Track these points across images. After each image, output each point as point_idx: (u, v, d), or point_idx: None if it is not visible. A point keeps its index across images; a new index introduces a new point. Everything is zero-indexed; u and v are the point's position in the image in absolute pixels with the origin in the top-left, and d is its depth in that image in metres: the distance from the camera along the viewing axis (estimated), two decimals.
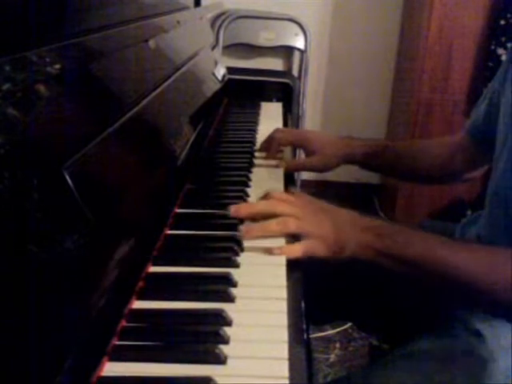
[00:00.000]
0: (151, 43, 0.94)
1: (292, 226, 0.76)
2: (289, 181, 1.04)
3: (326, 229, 0.77)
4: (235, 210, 0.78)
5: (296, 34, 2.64)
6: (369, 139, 1.16)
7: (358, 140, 1.14)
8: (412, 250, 0.76)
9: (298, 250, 0.75)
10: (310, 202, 0.82)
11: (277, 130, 1.15)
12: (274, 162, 1.07)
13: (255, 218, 0.79)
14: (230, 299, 0.63)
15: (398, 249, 0.77)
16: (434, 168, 1.12)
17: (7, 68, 0.47)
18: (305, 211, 0.78)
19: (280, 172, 1.04)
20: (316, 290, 0.96)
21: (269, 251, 0.73)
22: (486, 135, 0.99)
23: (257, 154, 1.13)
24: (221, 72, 1.51)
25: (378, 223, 0.82)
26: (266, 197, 0.82)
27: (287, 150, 1.17)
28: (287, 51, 2.78)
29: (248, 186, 0.97)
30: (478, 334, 0.77)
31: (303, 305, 0.68)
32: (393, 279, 0.92)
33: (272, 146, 1.11)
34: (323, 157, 1.10)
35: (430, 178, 1.20)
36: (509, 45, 2.20)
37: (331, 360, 1.81)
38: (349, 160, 1.11)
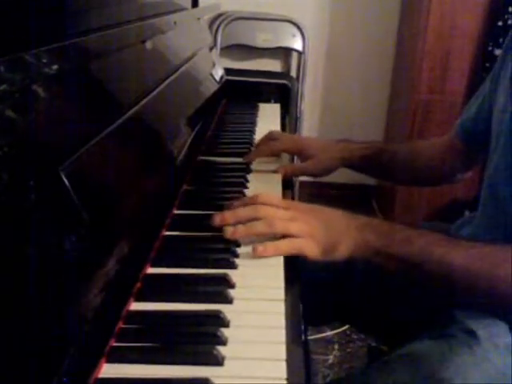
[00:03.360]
0: (148, 44, 0.94)
1: (279, 225, 0.74)
2: (287, 183, 1.03)
3: (316, 228, 0.75)
4: (220, 219, 0.76)
5: (294, 36, 2.64)
6: (364, 142, 1.16)
7: (353, 144, 1.14)
8: (409, 249, 0.75)
9: (283, 247, 0.73)
10: (298, 204, 0.81)
11: (271, 134, 1.14)
12: (272, 168, 1.06)
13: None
14: (228, 300, 0.63)
15: (395, 247, 0.75)
16: (425, 170, 1.13)
17: (4, 69, 0.47)
18: (293, 212, 0.77)
19: (278, 175, 1.04)
20: (314, 291, 0.96)
21: (253, 249, 0.72)
22: (476, 136, 0.99)
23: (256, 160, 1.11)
24: (219, 73, 1.51)
25: (375, 221, 0.80)
26: (252, 200, 0.79)
27: (285, 156, 1.16)
28: (285, 52, 2.79)
29: (246, 187, 0.97)
30: (473, 334, 0.77)
31: (301, 306, 0.68)
32: (391, 281, 0.92)
33: (260, 152, 1.10)
34: (319, 162, 1.09)
35: (421, 180, 1.21)
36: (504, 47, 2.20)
37: (330, 361, 1.81)
38: (345, 164, 1.11)
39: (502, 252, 0.73)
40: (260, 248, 0.72)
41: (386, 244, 0.76)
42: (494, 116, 0.89)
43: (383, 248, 0.75)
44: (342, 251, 0.75)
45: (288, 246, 0.73)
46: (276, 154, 1.12)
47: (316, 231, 0.75)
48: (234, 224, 0.75)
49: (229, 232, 0.74)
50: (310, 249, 0.74)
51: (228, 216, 0.76)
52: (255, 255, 0.72)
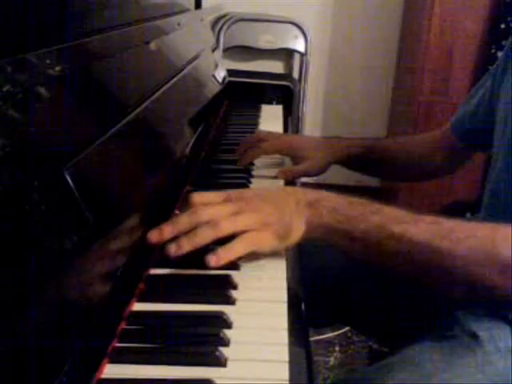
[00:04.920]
0: (152, 45, 0.94)
1: (225, 225, 0.66)
2: (289, 184, 1.03)
3: (265, 214, 0.68)
4: (158, 234, 0.66)
5: (296, 37, 2.64)
6: (356, 138, 1.15)
7: (344, 140, 1.12)
8: (366, 225, 0.68)
9: (236, 248, 0.66)
10: (238, 192, 0.73)
11: (258, 135, 1.12)
12: (273, 170, 1.05)
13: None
14: (231, 301, 0.63)
15: (350, 223, 0.68)
16: (415, 166, 1.13)
17: (8, 69, 0.47)
18: (236, 203, 0.69)
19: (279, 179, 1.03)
20: (315, 293, 0.96)
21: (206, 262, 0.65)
22: (471, 134, 0.99)
23: (256, 162, 1.10)
24: (221, 74, 1.51)
25: (328, 195, 0.72)
26: (188, 205, 0.70)
27: (287, 159, 1.16)
28: (287, 54, 2.79)
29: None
30: (475, 336, 0.77)
31: (303, 307, 0.68)
32: (392, 283, 0.92)
33: (252, 156, 1.08)
34: (312, 161, 1.07)
35: (411, 176, 1.21)
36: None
37: (331, 363, 1.81)
38: (337, 161, 1.10)
39: (464, 227, 0.68)
40: (213, 258, 0.65)
41: (340, 220, 0.69)
42: (497, 119, 0.89)
43: (338, 224, 0.69)
44: (297, 233, 0.69)
45: (241, 245, 0.67)
46: (267, 155, 1.10)
47: (266, 218, 0.68)
48: (175, 237, 0.67)
49: (172, 249, 0.65)
50: (266, 240, 0.68)
51: (166, 229, 0.67)
52: (211, 266, 0.65)
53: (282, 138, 1.15)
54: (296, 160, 1.10)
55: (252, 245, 0.67)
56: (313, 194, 0.72)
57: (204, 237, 0.66)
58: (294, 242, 0.70)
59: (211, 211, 0.68)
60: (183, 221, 0.67)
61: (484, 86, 0.97)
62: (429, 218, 0.70)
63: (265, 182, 1.02)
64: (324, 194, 0.73)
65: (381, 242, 0.68)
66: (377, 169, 1.18)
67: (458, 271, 0.67)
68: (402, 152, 1.13)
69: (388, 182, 2.65)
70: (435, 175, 1.18)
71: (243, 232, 0.67)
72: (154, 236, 0.67)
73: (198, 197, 0.70)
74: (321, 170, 1.09)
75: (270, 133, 1.15)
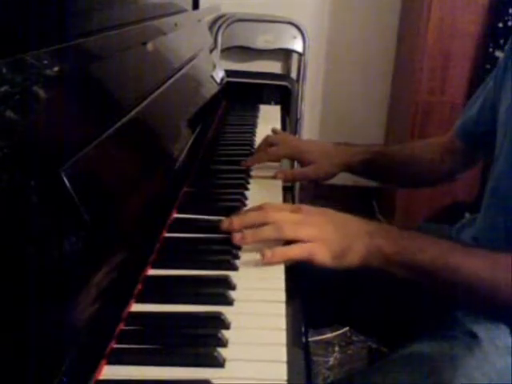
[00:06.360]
0: (149, 46, 0.94)
1: (288, 230, 0.71)
2: (287, 186, 1.03)
3: (326, 232, 0.73)
4: (228, 224, 0.75)
5: (294, 37, 2.64)
6: (363, 145, 1.15)
7: (352, 147, 1.13)
8: (423, 256, 0.73)
9: (291, 252, 0.71)
10: (307, 207, 0.78)
11: (268, 139, 1.13)
12: (271, 172, 1.05)
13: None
14: (229, 302, 0.63)
15: (408, 254, 0.73)
16: (425, 172, 1.13)
17: (5, 70, 0.47)
18: (302, 216, 0.75)
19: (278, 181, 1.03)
20: (315, 293, 0.96)
21: (261, 255, 0.70)
22: (477, 136, 0.99)
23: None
24: (219, 75, 1.51)
25: (387, 227, 0.78)
26: (259, 207, 0.77)
27: (285, 161, 1.16)
28: (285, 54, 2.79)
29: (247, 189, 0.97)
30: (474, 336, 0.77)
31: (302, 307, 0.67)
32: (391, 282, 0.92)
33: (258, 159, 1.09)
34: (320, 167, 1.08)
35: (421, 182, 1.21)
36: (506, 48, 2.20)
37: (330, 363, 1.81)
38: (345, 169, 1.10)
39: (503, 259, 0.72)
40: (268, 254, 0.70)
41: (398, 251, 0.73)
42: (499, 120, 0.89)
43: (395, 255, 0.73)
44: (353, 257, 0.73)
45: (297, 252, 0.71)
46: (275, 160, 1.11)
47: (326, 235, 0.72)
48: (242, 229, 0.74)
49: (237, 237, 0.73)
50: (320, 254, 0.71)
51: (236, 221, 0.75)
52: (263, 261, 0.70)
53: (291, 143, 1.15)
54: (303, 165, 1.10)
55: (307, 254, 0.71)
56: (373, 225, 0.76)
57: (267, 235, 0.72)
58: (349, 265, 0.73)
59: (278, 215, 0.74)
60: (252, 216, 0.75)
61: (486, 89, 0.97)
62: (482, 251, 0.76)
63: (263, 182, 1.02)
64: (383, 225, 0.78)
65: (436, 273, 0.73)
66: (387, 176, 1.18)
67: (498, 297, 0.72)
68: (411, 158, 1.13)
69: (386, 184, 2.64)
70: (445, 180, 1.17)
71: (303, 241, 0.71)
72: (224, 224, 0.75)
73: (270, 203, 0.78)
74: (327, 176, 1.09)
75: (280, 137, 1.15)
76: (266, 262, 0.70)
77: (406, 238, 0.75)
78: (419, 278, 0.75)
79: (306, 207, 0.77)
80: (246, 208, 0.88)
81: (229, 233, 0.75)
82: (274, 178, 1.03)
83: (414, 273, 0.74)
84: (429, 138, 1.20)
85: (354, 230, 0.74)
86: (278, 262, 0.71)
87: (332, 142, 1.15)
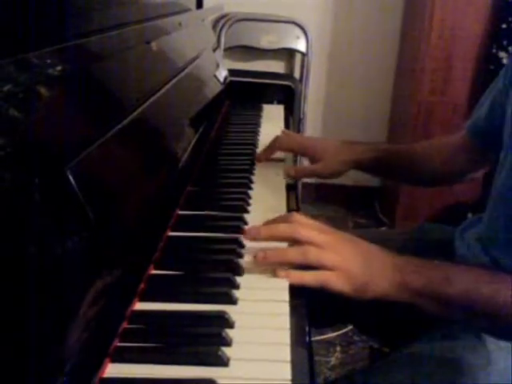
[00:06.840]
0: (153, 45, 0.94)
1: (312, 256, 0.68)
2: (290, 185, 1.03)
3: (350, 262, 0.69)
4: (255, 232, 0.72)
5: (298, 37, 2.64)
6: (370, 143, 1.15)
7: (361, 145, 1.13)
8: (453, 289, 0.69)
9: (308, 279, 0.68)
10: (333, 230, 0.74)
11: (281, 135, 1.14)
12: (274, 172, 1.06)
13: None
14: (233, 301, 0.63)
15: (437, 288, 0.69)
16: (436, 170, 1.12)
17: (9, 69, 0.47)
18: (329, 239, 0.71)
19: (281, 179, 1.04)
20: (317, 292, 0.96)
21: (274, 274, 0.68)
22: (488, 136, 0.98)
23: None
24: (222, 74, 1.51)
25: (413, 261, 0.73)
26: (287, 219, 0.74)
27: (289, 158, 1.16)
28: (289, 54, 2.79)
29: (250, 188, 0.97)
30: (477, 336, 0.77)
31: (305, 307, 0.67)
32: None
33: (269, 149, 1.11)
34: (329, 163, 1.08)
35: (432, 180, 1.20)
36: (510, 48, 2.20)
37: (332, 363, 1.81)
38: (355, 166, 1.10)
39: (504, 281, 0.69)
40: (282, 274, 0.68)
41: (425, 285, 0.70)
42: (506, 121, 0.88)
43: (422, 289, 0.69)
44: (375, 291, 0.70)
45: (314, 279, 0.68)
46: (284, 150, 1.12)
47: (349, 266, 0.69)
48: (266, 241, 0.72)
49: (260, 257, 0.69)
50: (340, 284, 0.68)
51: (264, 231, 0.72)
52: (278, 277, 0.68)
53: (300, 138, 1.16)
54: (312, 161, 1.11)
55: (322, 280, 0.68)
56: (399, 259, 0.72)
57: (291, 258, 0.69)
58: (369, 297, 0.70)
59: (307, 235, 0.70)
60: (280, 230, 0.71)
61: (496, 87, 0.97)
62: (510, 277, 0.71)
63: (267, 178, 1.03)
64: (409, 259, 0.73)
65: (470, 306, 0.69)
66: (398, 174, 1.18)
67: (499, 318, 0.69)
68: (425, 156, 1.12)
69: (388, 182, 2.64)
70: (458, 179, 1.16)
71: (324, 267, 0.68)
72: (252, 232, 0.72)
73: (299, 215, 0.74)
74: (334, 174, 1.09)
75: (289, 134, 1.16)
76: (280, 278, 0.68)
77: (433, 269, 0.72)
78: (452, 311, 0.71)
79: (331, 230, 0.74)
80: (248, 208, 0.88)
81: (234, 233, 0.74)
82: (285, 174, 1.05)
83: (445, 307, 0.70)
84: (440, 137, 1.19)
85: (379, 264, 0.71)
86: (291, 283, 0.68)
87: (339, 140, 1.15)
